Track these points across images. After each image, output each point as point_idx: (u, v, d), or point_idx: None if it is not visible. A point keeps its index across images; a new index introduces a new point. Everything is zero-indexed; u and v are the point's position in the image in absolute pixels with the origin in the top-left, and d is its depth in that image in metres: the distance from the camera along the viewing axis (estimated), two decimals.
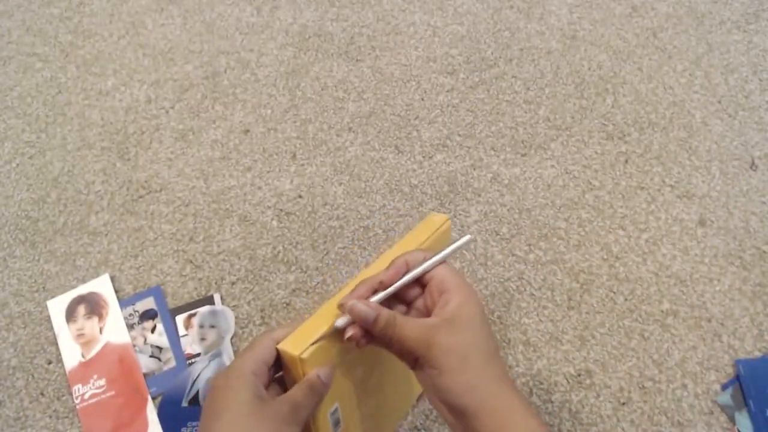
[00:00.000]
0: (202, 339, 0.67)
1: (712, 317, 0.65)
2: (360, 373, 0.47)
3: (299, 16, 0.89)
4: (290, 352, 0.40)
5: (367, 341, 0.41)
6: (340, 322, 0.40)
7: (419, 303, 0.43)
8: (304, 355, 0.40)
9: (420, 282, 0.43)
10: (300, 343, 0.40)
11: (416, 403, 0.62)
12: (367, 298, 0.41)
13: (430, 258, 0.42)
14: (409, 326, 0.39)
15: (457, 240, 0.43)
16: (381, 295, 0.41)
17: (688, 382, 0.62)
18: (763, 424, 0.59)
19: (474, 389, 0.38)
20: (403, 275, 0.42)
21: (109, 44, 0.89)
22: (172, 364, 0.66)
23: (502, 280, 0.68)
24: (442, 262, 0.42)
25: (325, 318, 0.42)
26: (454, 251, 0.43)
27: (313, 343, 0.40)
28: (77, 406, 0.64)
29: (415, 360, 0.40)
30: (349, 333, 0.40)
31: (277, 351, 0.41)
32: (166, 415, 0.63)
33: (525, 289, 0.68)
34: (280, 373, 0.43)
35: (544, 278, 0.69)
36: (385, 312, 0.39)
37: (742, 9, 0.87)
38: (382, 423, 0.55)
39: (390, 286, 0.42)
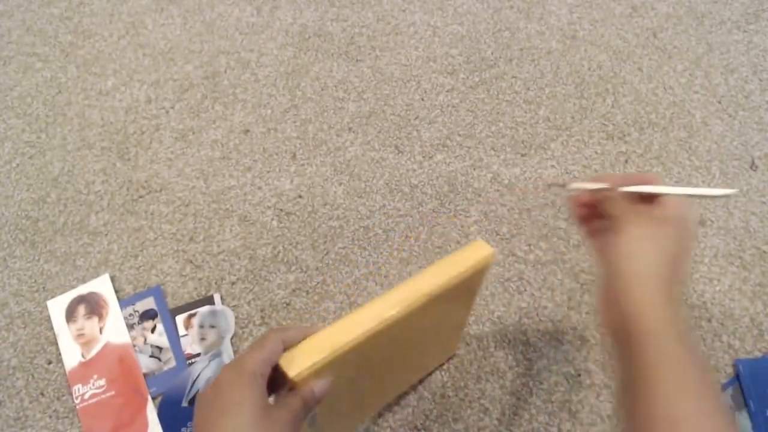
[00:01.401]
0: (202, 339, 0.67)
1: (712, 317, 0.65)
2: (346, 383, 0.47)
3: (299, 16, 0.89)
4: (286, 371, 0.41)
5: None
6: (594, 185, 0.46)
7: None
8: (297, 378, 0.41)
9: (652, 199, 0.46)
10: (301, 360, 0.41)
11: (418, 403, 0.62)
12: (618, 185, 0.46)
13: (685, 190, 0.46)
14: (624, 202, 0.44)
15: (718, 189, 0.46)
16: (633, 188, 0.46)
17: None
18: (763, 424, 0.59)
19: (637, 255, 0.41)
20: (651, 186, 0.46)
21: (109, 44, 0.89)
22: (172, 364, 0.66)
23: (502, 280, 0.68)
24: (687, 196, 0.45)
25: (332, 338, 0.42)
26: (706, 195, 0.45)
27: (310, 366, 0.41)
28: (77, 406, 0.64)
29: (605, 228, 0.45)
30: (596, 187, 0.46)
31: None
32: (166, 415, 0.63)
33: (525, 289, 0.68)
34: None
35: (544, 278, 0.69)
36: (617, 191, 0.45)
37: (742, 9, 0.87)
38: (356, 415, 0.57)
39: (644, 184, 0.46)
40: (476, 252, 0.46)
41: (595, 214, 0.48)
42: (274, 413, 0.39)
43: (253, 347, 0.41)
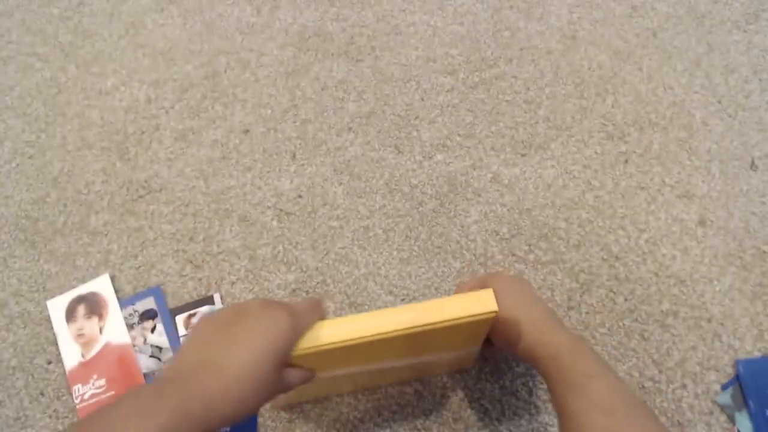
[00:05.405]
0: None
1: (712, 317, 0.65)
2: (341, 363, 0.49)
3: (299, 16, 0.89)
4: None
5: None
6: None
7: None
8: (296, 354, 0.43)
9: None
10: (311, 339, 0.43)
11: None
12: None
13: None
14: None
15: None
16: None
17: (688, 382, 0.62)
18: (763, 423, 0.59)
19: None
20: None
21: (108, 44, 0.89)
22: None
23: None
24: None
25: (341, 330, 0.44)
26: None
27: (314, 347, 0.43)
28: (77, 406, 0.64)
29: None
30: None
31: None
32: None
33: None
34: None
35: (544, 278, 0.69)
36: None
37: (742, 9, 0.87)
38: (343, 386, 0.62)
39: None
40: (481, 304, 0.45)
41: None
42: (281, 378, 0.41)
43: (305, 308, 0.44)
